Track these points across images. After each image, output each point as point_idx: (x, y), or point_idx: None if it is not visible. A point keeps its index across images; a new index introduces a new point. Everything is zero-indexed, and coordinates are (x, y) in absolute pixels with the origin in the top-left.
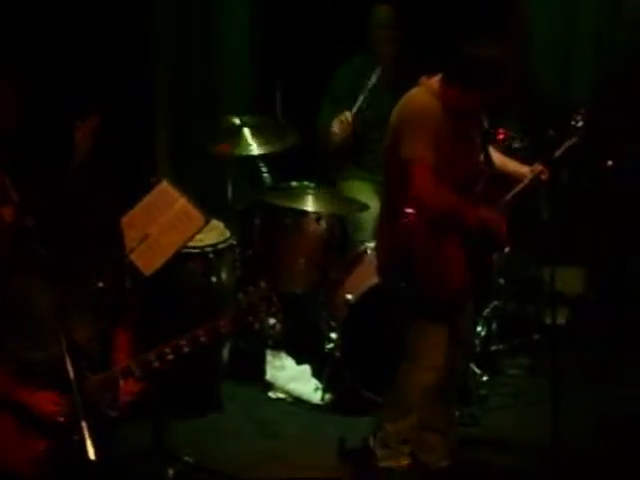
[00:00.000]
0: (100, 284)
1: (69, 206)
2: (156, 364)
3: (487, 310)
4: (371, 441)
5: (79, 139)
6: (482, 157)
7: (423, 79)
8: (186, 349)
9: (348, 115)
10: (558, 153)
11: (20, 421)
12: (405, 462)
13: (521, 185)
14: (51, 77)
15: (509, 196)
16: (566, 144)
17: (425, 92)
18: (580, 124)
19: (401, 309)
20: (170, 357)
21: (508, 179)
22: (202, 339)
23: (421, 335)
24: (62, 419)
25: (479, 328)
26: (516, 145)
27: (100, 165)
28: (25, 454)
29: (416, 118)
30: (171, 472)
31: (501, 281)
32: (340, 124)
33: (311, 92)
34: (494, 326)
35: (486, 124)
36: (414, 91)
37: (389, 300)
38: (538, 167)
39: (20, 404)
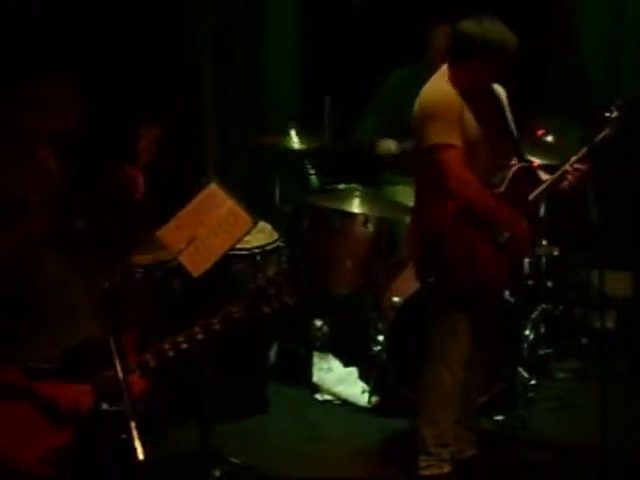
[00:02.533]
0: (106, 284)
1: (111, 212)
2: (171, 354)
3: (535, 313)
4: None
5: (142, 147)
6: (514, 158)
7: (441, 68)
8: (199, 336)
9: (392, 145)
10: (584, 151)
11: (35, 415)
12: (446, 469)
13: (547, 183)
14: (116, 84)
15: (534, 195)
16: (599, 136)
17: (441, 80)
18: (614, 115)
19: (430, 303)
20: (184, 346)
21: (535, 180)
22: (216, 326)
23: (450, 335)
24: (85, 409)
25: (527, 331)
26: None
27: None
28: (35, 452)
29: (437, 105)
30: (217, 473)
31: (549, 284)
32: (385, 147)
33: (359, 102)
34: (542, 329)
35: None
36: (431, 81)
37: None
38: (566, 165)
39: (39, 396)
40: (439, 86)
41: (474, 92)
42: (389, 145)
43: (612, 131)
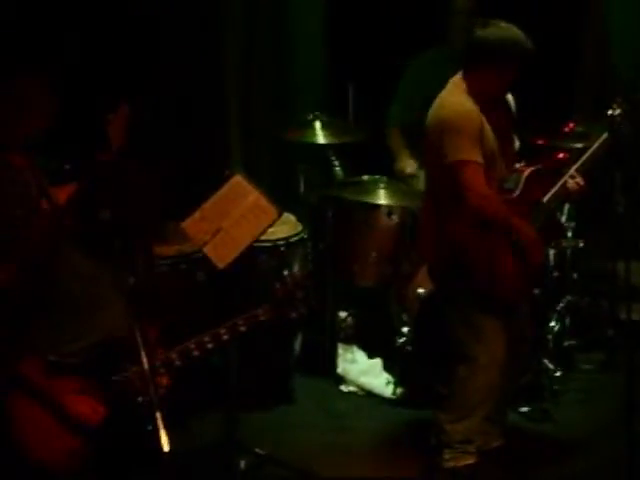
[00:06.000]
0: (131, 280)
1: (120, 200)
2: (196, 353)
3: (561, 305)
4: (433, 440)
5: (113, 132)
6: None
7: (453, 78)
8: (225, 337)
9: (408, 166)
10: (588, 155)
11: (47, 416)
12: (471, 461)
13: (557, 186)
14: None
15: (547, 198)
16: (599, 141)
17: (456, 90)
18: (617, 112)
19: (456, 310)
20: (210, 346)
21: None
22: (241, 328)
23: (478, 334)
24: (95, 424)
25: (552, 323)
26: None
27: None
28: (60, 447)
29: (457, 120)
30: (242, 463)
31: (575, 276)
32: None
33: (383, 91)
34: (568, 321)
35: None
36: (447, 92)
37: (443, 302)
38: (573, 168)
39: (53, 400)
40: (456, 98)
41: (491, 99)
42: (405, 166)
43: (615, 129)
